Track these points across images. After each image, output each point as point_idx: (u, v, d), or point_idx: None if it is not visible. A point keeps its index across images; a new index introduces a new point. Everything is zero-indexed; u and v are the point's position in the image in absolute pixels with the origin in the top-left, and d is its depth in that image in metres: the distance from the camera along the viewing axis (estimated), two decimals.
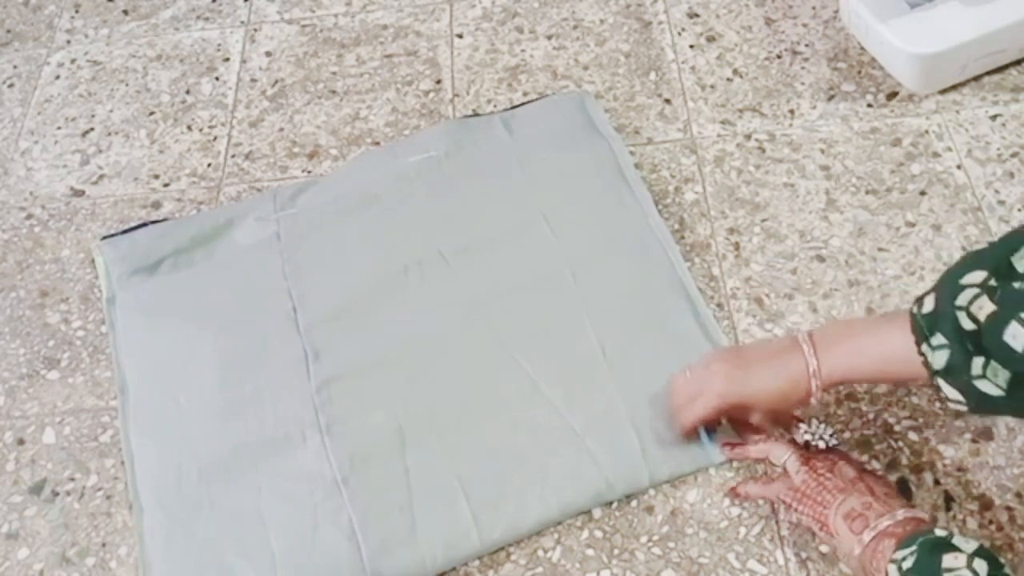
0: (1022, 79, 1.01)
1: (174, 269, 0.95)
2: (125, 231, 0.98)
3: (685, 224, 0.94)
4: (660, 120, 1.04)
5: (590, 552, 0.76)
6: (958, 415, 0.78)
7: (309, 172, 1.04)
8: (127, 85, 1.17)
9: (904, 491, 0.75)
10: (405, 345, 0.87)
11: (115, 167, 1.08)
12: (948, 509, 0.74)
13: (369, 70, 1.14)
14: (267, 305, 0.91)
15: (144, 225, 0.99)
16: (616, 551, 0.75)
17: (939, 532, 0.58)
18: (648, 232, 0.92)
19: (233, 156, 1.07)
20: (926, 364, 0.61)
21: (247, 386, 0.85)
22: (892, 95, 1.02)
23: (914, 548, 0.57)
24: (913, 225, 0.91)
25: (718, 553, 0.74)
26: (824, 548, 0.73)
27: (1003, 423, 0.78)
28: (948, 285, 0.60)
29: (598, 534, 0.77)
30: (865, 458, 0.77)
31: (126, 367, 0.89)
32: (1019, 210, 0.91)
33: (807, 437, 0.72)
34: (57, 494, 0.84)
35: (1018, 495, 0.74)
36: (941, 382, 0.60)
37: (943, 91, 1.01)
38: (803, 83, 1.04)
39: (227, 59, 1.18)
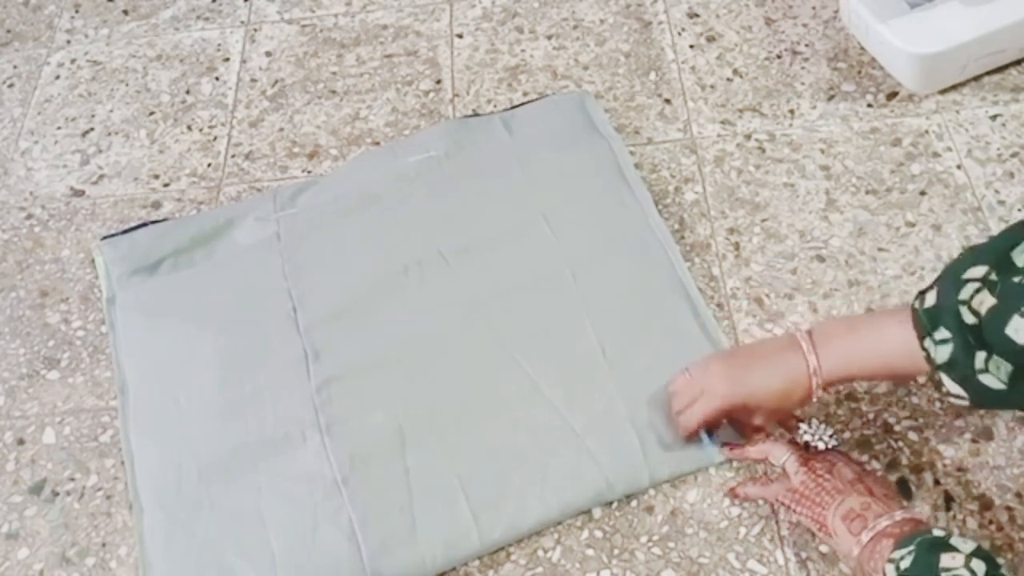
0: (1022, 79, 1.01)
1: (174, 269, 0.95)
2: (125, 231, 0.99)
3: (685, 224, 0.94)
4: (660, 120, 1.04)
5: (590, 552, 0.76)
6: (958, 415, 0.78)
7: (309, 172, 1.04)
8: (127, 85, 1.17)
9: (904, 491, 0.75)
10: (405, 345, 0.87)
11: (115, 167, 1.08)
12: (948, 509, 0.74)
13: (369, 70, 1.14)
14: (267, 305, 0.91)
15: (144, 225, 0.99)
16: (616, 551, 0.75)
17: (937, 532, 0.58)
18: (648, 232, 0.92)
19: (233, 156, 1.07)
20: (928, 359, 0.61)
21: (247, 386, 0.85)
22: (892, 95, 1.02)
23: (912, 548, 0.57)
24: (913, 225, 0.91)
25: (718, 553, 0.74)
26: (824, 548, 0.73)
27: (1003, 423, 0.78)
28: (949, 280, 0.60)
29: (598, 534, 0.77)
30: (865, 458, 0.77)
31: (126, 367, 0.89)
32: (1019, 210, 0.91)
33: (807, 438, 0.72)
34: (57, 494, 0.84)
35: (1018, 495, 0.74)
36: (943, 376, 0.60)
37: (943, 91, 1.01)
38: (803, 83, 1.04)
39: (227, 59, 1.18)
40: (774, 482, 0.72)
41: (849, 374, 0.68)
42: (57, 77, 1.19)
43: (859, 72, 1.04)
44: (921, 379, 0.80)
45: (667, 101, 1.05)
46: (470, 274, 0.91)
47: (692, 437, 0.77)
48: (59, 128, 1.13)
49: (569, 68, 1.10)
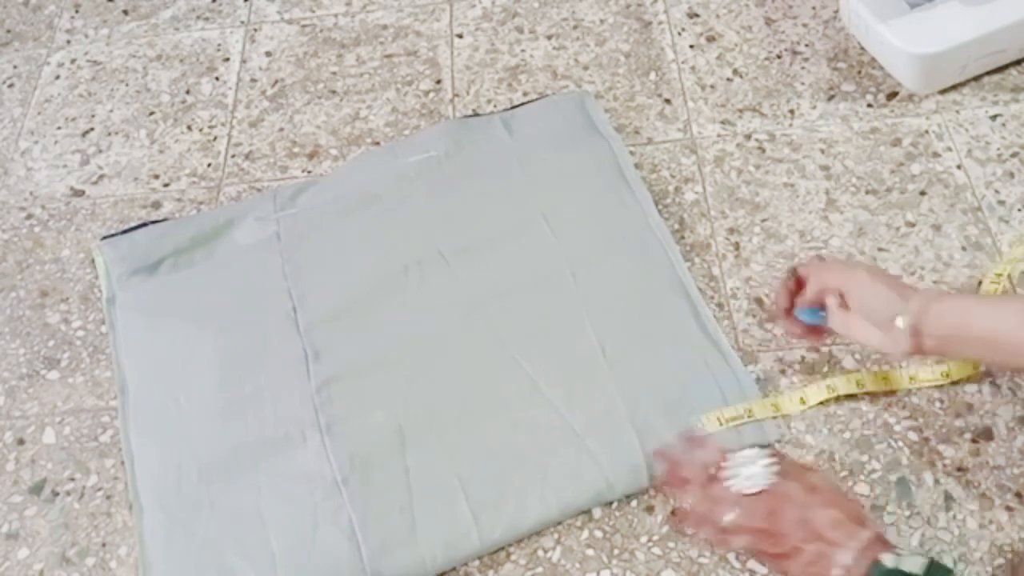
0: (1022, 79, 1.01)
1: (174, 269, 0.95)
2: (125, 231, 0.99)
3: (685, 224, 0.94)
4: (660, 120, 1.04)
5: (590, 552, 0.76)
6: (958, 415, 0.78)
7: (309, 172, 1.04)
8: (127, 85, 1.17)
9: (904, 491, 0.75)
10: (405, 345, 0.87)
11: (115, 167, 1.08)
12: (948, 509, 0.74)
13: (369, 70, 1.14)
14: (267, 305, 0.91)
15: (144, 225, 0.99)
16: (616, 551, 0.75)
17: (886, 561, 0.57)
18: (648, 232, 0.92)
19: (233, 156, 1.07)
20: None
21: (247, 386, 0.85)
22: (892, 95, 1.02)
23: None
24: (913, 225, 0.91)
25: (718, 553, 0.74)
26: None
27: (1003, 423, 0.78)
28: None
29: (598, 534, 0.77)
30: (865, 458, 0.77)
31: (126, 367, 0.89)
32: (1019, 210, 0.91)
33: (742, 479, 0.66)
34: (57, 494, 0.84)
35: (1018, 495, 0.74)
36: None
37: (943, 91, 1.01)
38: (803, 83, 1.04)
39: (227, 59, 1.18)
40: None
41: (954, 333, 0.65)
42: (57, 77, 1.19)
43: (859, 72, 1.04)
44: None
45: (667, 101, 1.05)
46: (470, 274, 0.91)
47: (790, 311, 0.76)
48: (59, 128, 1.13)
49: (569, 68, 1.10)
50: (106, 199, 1.05)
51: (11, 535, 0.82)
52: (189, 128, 1.11)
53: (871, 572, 0.57)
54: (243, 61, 1.17)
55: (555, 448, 0.79)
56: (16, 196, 1.07)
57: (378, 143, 1.06)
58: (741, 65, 1.07)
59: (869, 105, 1.01)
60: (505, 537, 0.76)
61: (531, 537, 0.77)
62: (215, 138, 1.09)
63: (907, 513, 0.74)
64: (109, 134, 1.12)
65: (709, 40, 1.11)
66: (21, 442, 0.87)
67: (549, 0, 1.18)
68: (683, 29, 1.12)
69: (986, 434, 0.77)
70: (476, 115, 1.05)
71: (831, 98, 1.03)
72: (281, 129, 1.09)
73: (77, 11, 1.27)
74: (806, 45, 1.08)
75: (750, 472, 0.66)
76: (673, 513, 0.76)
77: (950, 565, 0.54)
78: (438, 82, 1.11)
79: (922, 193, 0.93)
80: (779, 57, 1.08)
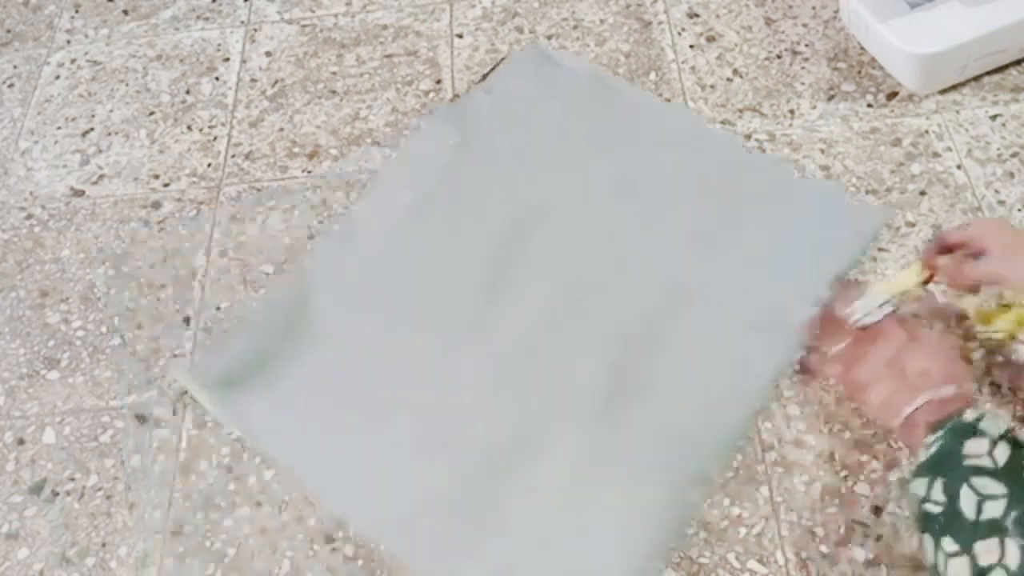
0: (1022, 79, 1.01)
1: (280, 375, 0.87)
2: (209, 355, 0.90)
3: None
4: None
5: None
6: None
7: (309, 172, 1.04)
8: (127, 85, 1.17)
9: (904, 491, 0.75)
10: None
11: (115, 167, 1.08)
12: None
13: (369, 70, 1.14)
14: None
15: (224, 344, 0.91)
16: None
17: (968, 416, 0.58)
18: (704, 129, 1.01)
19: (233, 156, 1.07)
20: None
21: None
22: (892, 95, 1.02)
23: (941, 434, 0.58)
24: (913, 225, 0.91)
25: (718, 553, 0.74)
26: (824, 548, 0.73)
27: None
28: None
29: None
30: (865, 458, 0.77)
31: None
32: (1019, 210, 0.91)
33: (859, 313, 0.70)
34: (57, 494, 0.84)
35: None
36: None
37: (943, 91, 1.01)
38: (803, 83, 1.04)
39: (227, 59, 1.18)
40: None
41: None
42: (57, 77, 1.19)
43: (859, 72, 1.04)
44: None
45: (667, 101, 1.05)
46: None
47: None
48: (59, 128, 1.13)
49: None
50: (106, 199, 1.05)
51: (11, 535, 0.82)
52: (189, 128, 1.11)
53: (949, 423, 0.58)
54: (243, 61, 1.17)
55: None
56: (16, 196, 1.07)
57: (378, 143, 1.06)
58: (741, 65, 1.07)
59: (869, 105, 1.01)
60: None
61: None
62: (215, 138, 1.09)
63: (907, 513, 0.74)
64: (109, 134, 1.12)
65: (709, 40, 1.11)
66: (21, 442, 0.87)
67: (549, 0, 1.18)
68: (683, 29, 1.12)
69: None
70: (456, 96, 1.07)
71: (831, 98, 1.03)
72: (281, 129, 1.09)
73: (77, 11, 1.27)
74: (806, 45, 1.08)
75: (867, 308, 0.70)
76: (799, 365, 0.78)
77: None
78: (438, 82, 1.11)
79: (922, 193, 0.93)
80: (779, 57, 1.08)
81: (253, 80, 1.15)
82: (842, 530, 0.74)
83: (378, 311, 0.90)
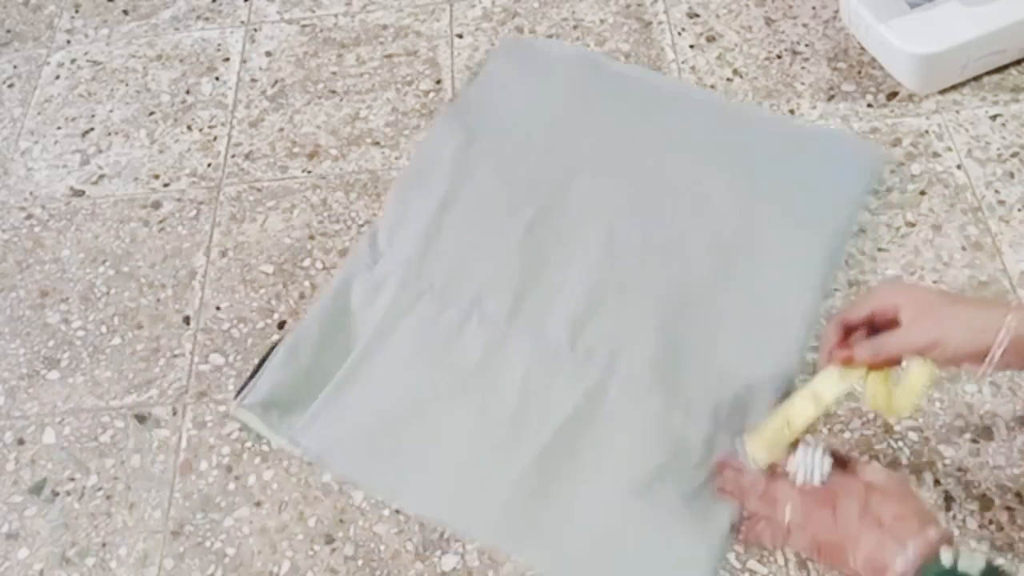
0: (1022, 79, 1.01)
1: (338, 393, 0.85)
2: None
3: None
4: None
5: None
6: (958, 414, 0.78)
7: (309, 172, 1.04)
8: (127, 85, 1.17)
9: None
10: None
11: (115, 167, 1.08)
12: (948, 509, 0.74)
13: (369, 70, 1.14)
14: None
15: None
16: None
17: (944, 559, 0.56)
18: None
19: (233, 156, 1.07)
20: None
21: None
22: (892, 95, 1.02)
23: None
24: (913, 225, 0.91)
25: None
26: None
27: (1003, 423, 0.78)
28: None
29: None
30: (865, 458, 0.77)
31: None
32: (1019, 210, 0.91)
33: (800, 473, 0.66)
34: (57, 494, 0.84)
35: (1018, 495, 0.74)
36: None
37: (943, 91, 1.01)
38: (803, 83, 1.04)
39: (227, 59, 1.18)
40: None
41: None
42: (57, 77, 1.19)
43: (859, 72, 1.04)
44: None
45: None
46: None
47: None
48: (59, 128, 1.13)
49: None
50: (106, 199, 1.05)
51: (11, 535, 0.82)
52: (189, 128, 1.11)
53: (926, 568, 0.56)
54: (243, 61, 1.17)
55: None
56: (16, 196, 1.07)
57: (378, 143, 1.06)
58: (741, 65, 1.07)
59: (869, 105, 1.01)
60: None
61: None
62: (215, 138, 1.09)
63: None
64: (109, 134, 1.12)
65: (709, 40, 1.11)
66: (21, 442, 0.87)
67: (549, 0, 1.18)
68: (683, 29, 1.12)
69: (986, 434, 0.77)
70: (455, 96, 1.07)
71: (831, 98, 1.03)
72: (281, 129, 1.09)
73: (77, 11, 1.27)
74: (806, 45, 1.08)
75: (810, 466, 0.65)
76: (735, 528, 0.72)
77: (1013, 571, 0.53)
78: (438, 82, 1.11)
79: (922, 193, 0.93)
80: (779, 57, 1.08)
81: (253, 80, 1.15)
82: None
83: (419, 304, 0.89)
